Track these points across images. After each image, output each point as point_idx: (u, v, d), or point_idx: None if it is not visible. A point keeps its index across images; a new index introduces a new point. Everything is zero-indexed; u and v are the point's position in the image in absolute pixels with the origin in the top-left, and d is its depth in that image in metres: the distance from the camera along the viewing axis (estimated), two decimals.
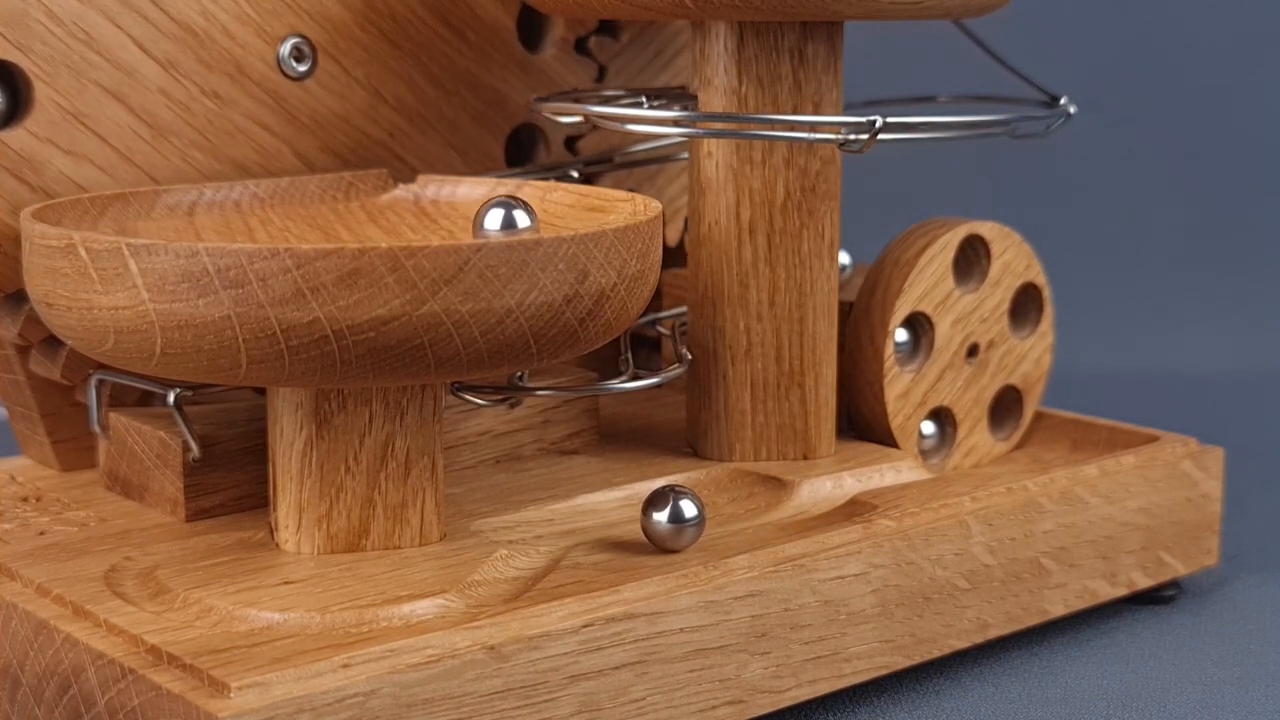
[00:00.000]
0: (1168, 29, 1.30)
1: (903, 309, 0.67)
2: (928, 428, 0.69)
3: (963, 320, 0.69)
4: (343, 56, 0.68)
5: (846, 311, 0.69)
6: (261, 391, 0.64)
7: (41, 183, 0.62)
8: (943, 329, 0.69)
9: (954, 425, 0.70)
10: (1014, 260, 0.71)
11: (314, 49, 0.67)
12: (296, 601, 0.52)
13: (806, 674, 0.58)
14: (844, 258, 0.75)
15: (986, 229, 0.70)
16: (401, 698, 0.48)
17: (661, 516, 0.58)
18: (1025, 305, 0.72)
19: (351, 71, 0.68)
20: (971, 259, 0.70)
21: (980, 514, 0.62)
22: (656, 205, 0.57)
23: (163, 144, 0.64)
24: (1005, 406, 0.72)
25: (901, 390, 0.68)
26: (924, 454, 0.69)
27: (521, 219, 0.54)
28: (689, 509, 0.58)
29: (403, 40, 0.69)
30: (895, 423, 0.68)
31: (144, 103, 0.63)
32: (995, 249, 0.70)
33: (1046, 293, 0.72)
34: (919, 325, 0.69)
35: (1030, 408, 0.72)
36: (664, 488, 0.58)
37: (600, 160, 0.75)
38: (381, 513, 0.56)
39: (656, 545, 0.58)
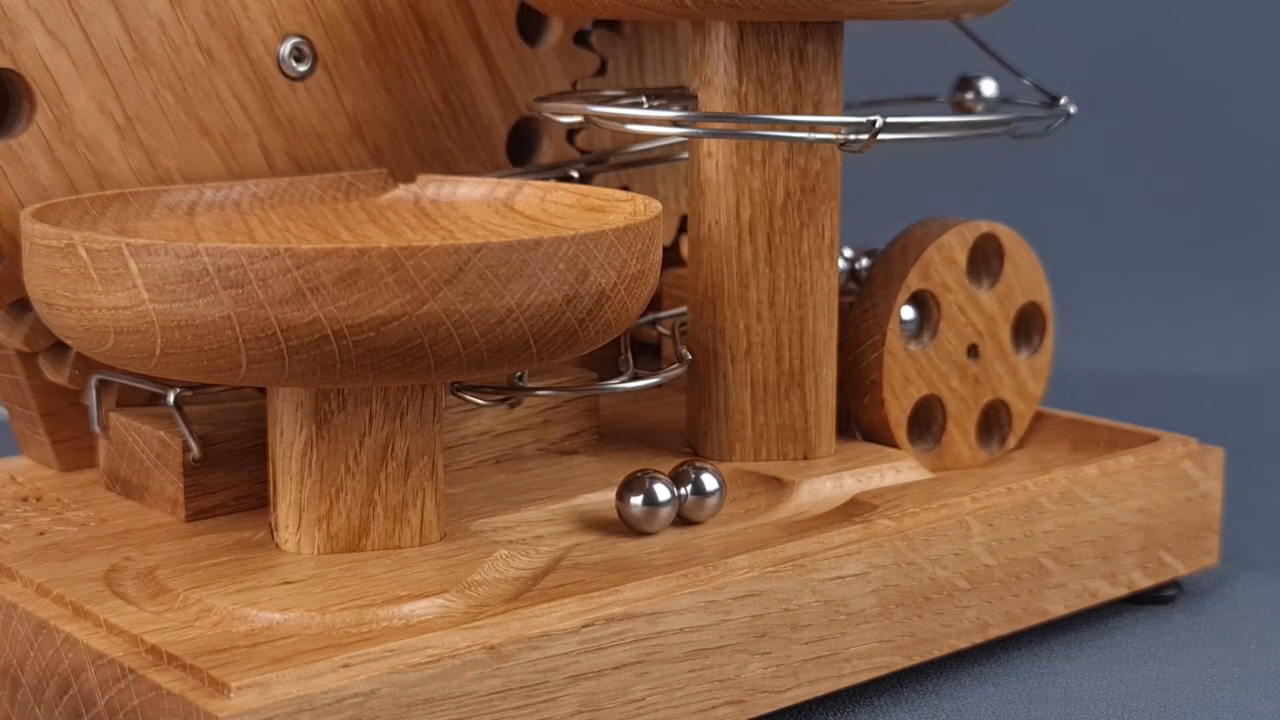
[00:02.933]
0: (1168, 29, 1.30)
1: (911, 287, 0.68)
2: (908, 311, 0.69)
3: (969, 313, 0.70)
4: (340, 78, 0.68)
5: (846, 312, 0.69)
6: (261, 391, 0.64)
7: (12, 48, 0.61)
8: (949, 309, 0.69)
9: (937, 311, 0.69)
10: (1027, 274, 0.71)
11: (316, 57, 0.67)
12: (296, 601, 0.52)
13: (806, 674, 0.58)
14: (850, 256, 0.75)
15: (1007, 237, 0.70)
16: (401, 698, 0.48)
17: (637, 500, 0.60)
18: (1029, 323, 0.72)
19: (343, 95, 0.68)
20: (983, 260, 0.71)
21: (980, 514, 0.62)
22: (656, 205, 0.57)
23: (141, 71, 0.63)
24: (993, 418, 0.72)
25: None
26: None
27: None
28: (662, 492, 0.60)
29: (399, 93, 0.69)
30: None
31: (139, 24, 0.63)
32: (1009, 256, 0.70)
33: (1049, 314, 0.72)
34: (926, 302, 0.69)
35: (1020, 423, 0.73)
36: (639, 472, 0.61)
37: (599, 160, 0.75)
38: (381, 513, 0.56)
39: (632, 528, 0.61)
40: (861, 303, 0.68)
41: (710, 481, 0.61)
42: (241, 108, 0.66)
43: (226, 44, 0.65)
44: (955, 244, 0.69)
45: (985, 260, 0.71)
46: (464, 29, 0.71)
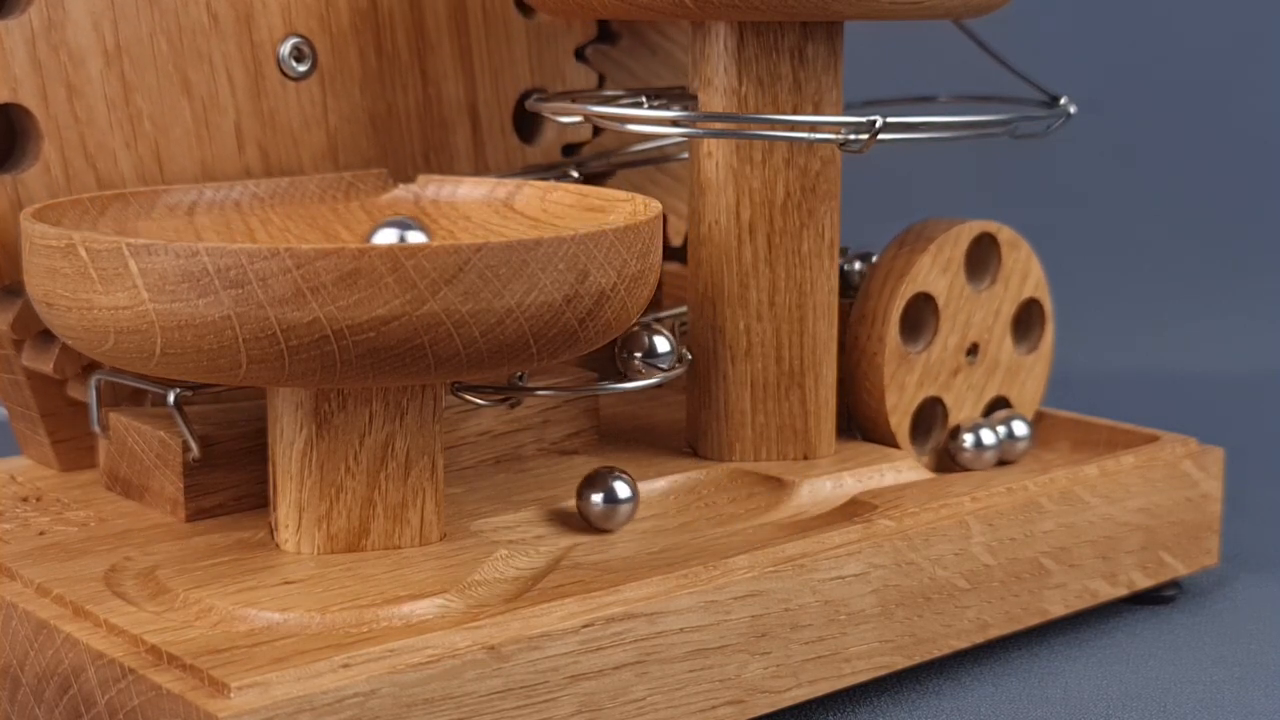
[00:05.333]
0: (1167, 29, 1.30)
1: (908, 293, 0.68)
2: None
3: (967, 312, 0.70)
4: (331, 94, 0.68)
5: (847, 312, 0.69)
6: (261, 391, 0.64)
7: None
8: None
9: (992, 278, 0.71)
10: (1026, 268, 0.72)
11: (315, 64, 0.67)
12: (296, 601, 0.52)
13: (806, 674, 0.58)
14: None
15: (1004, 234, 0.71)
16: (401, 698, 0.48)
17: (598, 497, 0.61)
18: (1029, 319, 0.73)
19: (329, 111, 0.68)
20: (1026, 321, 0.72)
21: (980, 514, 0.62)
22: (656, 205, 0.57)
23: (145, 6, 0.63)
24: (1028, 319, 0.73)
25: None
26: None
27: (415, 239, 0.56)
28: (623, 490, 0.61)
29: (383, 131, 0.69)
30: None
31: None
32: (941, 306, 0.70)
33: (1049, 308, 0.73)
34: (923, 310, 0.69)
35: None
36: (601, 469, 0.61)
37: (599, 160, 0.75)
38: (381, 513, 0.56)
39: (592, 525, 0.61)
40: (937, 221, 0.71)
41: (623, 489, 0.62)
42: (229, 82, 0.65)
43: (234, 16, 0.65)
44: (1033, 274, 0.72)
45: (1028, 324, 0.72)
46: (463, 97, 0.71)
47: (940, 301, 0.69)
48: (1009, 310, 0.71)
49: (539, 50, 0.73)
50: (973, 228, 0.70)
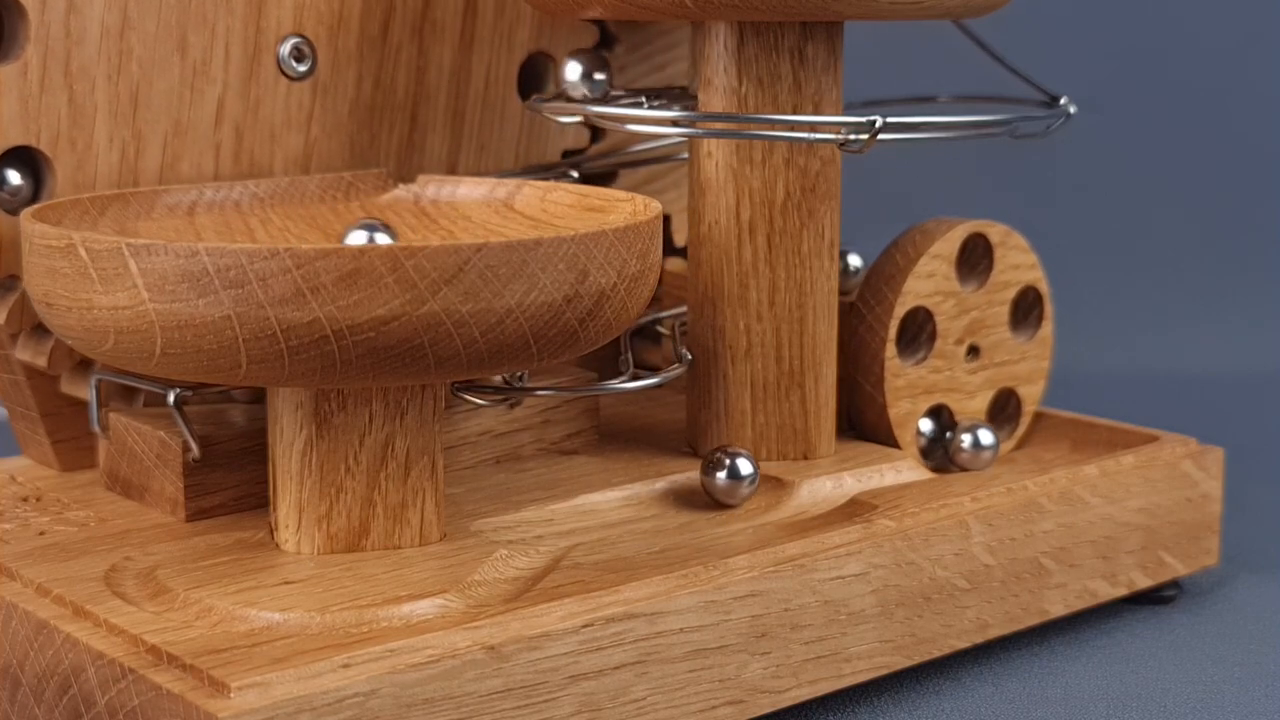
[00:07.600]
0: (1167, 29, 1.30)
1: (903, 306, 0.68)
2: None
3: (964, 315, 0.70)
4: (320, 106, 0.67)
5: (848, 311, 0.69)
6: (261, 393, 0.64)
7: None
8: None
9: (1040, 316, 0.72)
10: (1019, 261, 0.71)
11: (313, 70, 0.67)
12: (296, 601, 0.52)
13: (806, 674, 0.58)
14: (855, 260, 0.75)
15: (993, 230, 0.70)
16: (401, 698, 0.48)
17: (721, 474, 0.63)
18: (1026, 307, 0.72)
19: (313, 120, 0.67)
20: (1026, 311, 0.72)
21: (980, 514, 0.62)
22: (656, 205, 0.57)
23: None
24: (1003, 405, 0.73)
25: None
26: None
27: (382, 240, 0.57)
28: (745, 466, 0.63)
29: (360, 155, 0.69)
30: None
31: None
32: (997, 252, 0.70)
33: (1047, 296, 0.72)
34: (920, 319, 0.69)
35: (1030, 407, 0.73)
36: (718, 449, 0.64)
37: (599, 160, 0.75)
38: (381, 513, 0.56)
39: (717, 500, 0.64)
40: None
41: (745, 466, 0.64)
42: (225, 55, 0.65)
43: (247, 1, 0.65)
44: (1038, 382, 0.73)
45: (1005, 412, 0.72)
46: (444, 156, 0.71)
47: (994, 264, 0.69)
48: (1008, 374, 0.71)
49: (529, 137, 0.74)
50: (1032, 276, 0.71)
